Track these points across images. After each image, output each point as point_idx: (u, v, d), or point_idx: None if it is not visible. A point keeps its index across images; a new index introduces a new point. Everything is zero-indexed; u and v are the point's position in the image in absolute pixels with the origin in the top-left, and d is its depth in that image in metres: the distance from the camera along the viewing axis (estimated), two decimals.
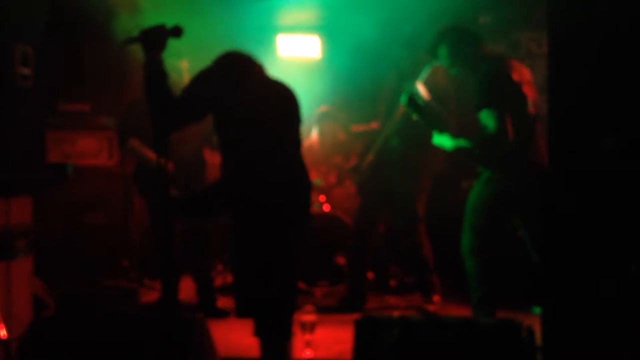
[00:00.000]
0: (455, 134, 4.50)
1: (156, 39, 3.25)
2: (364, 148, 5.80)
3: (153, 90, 3.27)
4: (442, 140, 4.46)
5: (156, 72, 3.26)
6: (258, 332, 3.40)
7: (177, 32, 3.27)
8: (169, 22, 3.33)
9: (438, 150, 5.34)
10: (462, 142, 4.39)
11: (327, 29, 7.15)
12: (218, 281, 6.07)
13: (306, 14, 6.99)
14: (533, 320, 3.17)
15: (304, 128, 5.79)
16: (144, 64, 3.26)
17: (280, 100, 3.42)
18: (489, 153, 4.34)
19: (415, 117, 4.50)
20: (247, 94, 3.32)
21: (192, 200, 3.51)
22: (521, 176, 4.30)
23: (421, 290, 5.54)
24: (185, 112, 3.35)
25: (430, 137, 5.21)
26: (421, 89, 5.24)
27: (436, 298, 5.43)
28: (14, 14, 3.71)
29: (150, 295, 5.89)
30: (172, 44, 3.34)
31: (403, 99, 4.53)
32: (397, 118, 5.38)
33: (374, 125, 5.81)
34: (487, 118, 4.26)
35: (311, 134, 6.59)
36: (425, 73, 5.20)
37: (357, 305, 5.45)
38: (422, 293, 5.52)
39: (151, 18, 3.40)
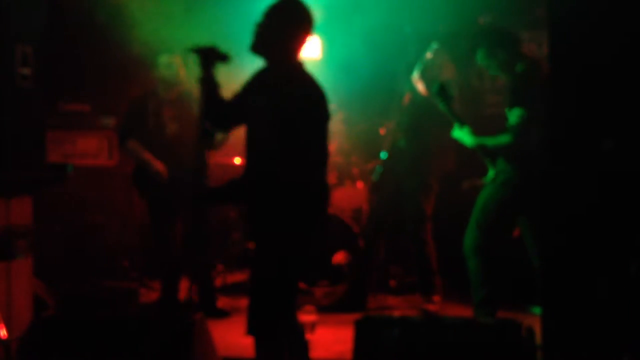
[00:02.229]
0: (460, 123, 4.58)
1: (208, 57, 3.46)
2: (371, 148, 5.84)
3: (209, 100, 3.48)
4: (463, 135, 4.55)
5: (211, 84, 3.48)
6: (251, 331, 3.33)
7: (224, 58, 3.49)
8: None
9: (447, 150, 5.35)
10: (484, 139, 4.49)
11: (327, 29, 7.14)
12: (218, 281, 6.07)
13: None
14: (533, 320, 3.17)
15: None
16: (201, 77, 3.47)
17: (311, 99, 3.42)
18: (515, 150, 4.42)
19: (442, 107, 4.57)
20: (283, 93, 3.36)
21: (220, 192, 3.67)
22: (534, 178, 4.32)
23: (422, 290, 5.53)
24: (236, 116, 3.54)
25: (437, 137, 5.23)
26: (418, 85, 5.27)
27: (436, 298, 5.43)
28: (14, 14, 3.71)
29: (150, 295, 5.89)
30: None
31: (434, 88, 4.58)
32: (404, 119, 5.41)
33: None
34: (513, 116, 4.35)
35: None
36: (419, 68, 5.24)
37: (358, 305, 5.45)
38: (422, 293, 5.51)
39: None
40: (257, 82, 3.50)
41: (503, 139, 4.45)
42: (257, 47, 3.45)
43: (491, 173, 4.52)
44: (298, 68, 3.48)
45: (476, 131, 4.58)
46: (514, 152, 4.43)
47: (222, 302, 5.46)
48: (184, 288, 5.51)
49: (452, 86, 5.23)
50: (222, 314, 5.29)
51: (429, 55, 5.25)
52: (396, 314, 5.18)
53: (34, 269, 4.08)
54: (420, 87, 5.27)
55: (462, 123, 4.57)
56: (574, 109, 3.08)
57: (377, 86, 5.98)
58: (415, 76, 5.27)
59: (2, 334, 3.46)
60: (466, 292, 4.69)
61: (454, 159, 5.52)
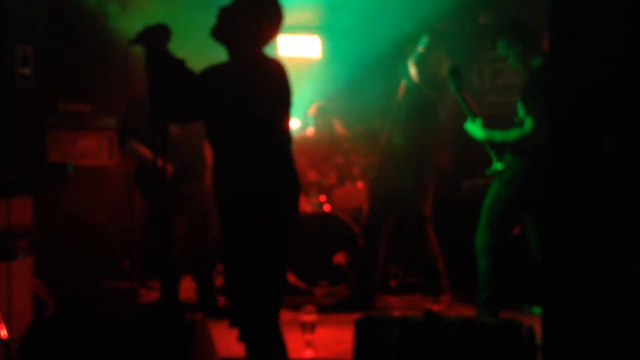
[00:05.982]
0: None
1: (156, 37, 3.20)
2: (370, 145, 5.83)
3: (167, 81, 3.16)
4: (474, 129, 4.57)
5: (170, 62, 3.16)
6: (244, 337, 3.29)
7: (169, 33, 3.23)
8: (170, 20, 3.30)
9: (443, 148, 5.34)
10: (493, 134, 4.50)
11: (327, 29, 7.15)
12: (218, 281, 6.07)
13: (306, 14, 6.99)
14: (533, 320, 3.17)
15: (300, 125, 5.74)
16: (150, 59, 3.18)
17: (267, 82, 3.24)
18: (522, 145, 4.40)
19: (453, 90, 4.58)
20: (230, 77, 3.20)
21: None
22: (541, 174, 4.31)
23: (429, 291, 5.51)
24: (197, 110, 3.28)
25: (433, 135, 5.22)
26: (411, 69, 5.29)
27: (444, 298, 5.40)
28: (14, 14, 3.71)
29: (150, 295, 5.89)
30: (175, 41, 3.32)
31: (448, 70, 4.58)
32: (400, 115, 5.40)
33: (377, 124, 5.83)
34: (529, 111, 4.34)
35: (307, 130, 6.59)
36: (416, 54, 5.25)
37: (365, 304, 5.45)
38: (430, 294, 5.49)
39: (149, 17, 3.37)
40: (221, 76, 3.23)
41: (512, 133, 4.45)
42: (220, 33, 3.27)
43: (495, 165, 4.50)
44: (264, 60, 3.28)
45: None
46: (522, 147, 4.41)
47: (222, 302, 5.46)
48: (184, 288, 5.52)
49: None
50: (222, 314, 5.28)
51: (420, 48, 5.27)
52: (396, 314, 5.18)
53: (34, 269, 4.08)
54: (412, 71, 5.30)
55: (475, 115, 4.58)
56: (574, 108, 3.08)
57: (377, 86, 5.98)
58: (410, 60, 5.30)
59: (2, 334, 3.46)
60: (467, 291, 4.69)
61: (450, 157, 5.50)
